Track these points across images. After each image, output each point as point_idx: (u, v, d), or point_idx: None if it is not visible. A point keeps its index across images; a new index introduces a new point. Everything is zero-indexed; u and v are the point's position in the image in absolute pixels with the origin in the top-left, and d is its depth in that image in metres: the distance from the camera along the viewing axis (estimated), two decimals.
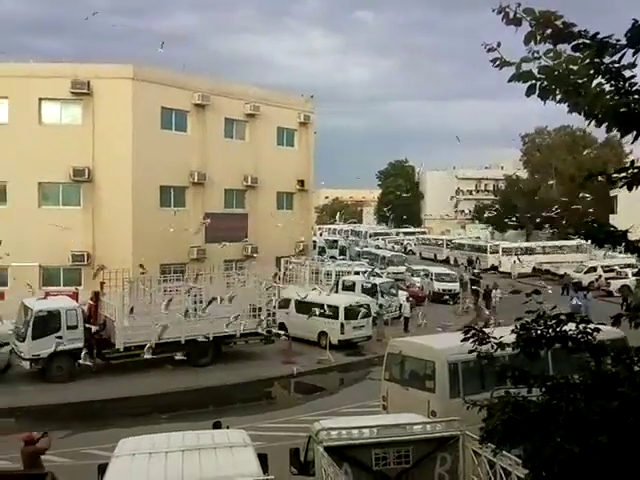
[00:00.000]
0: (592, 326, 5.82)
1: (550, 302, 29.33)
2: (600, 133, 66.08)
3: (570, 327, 5.84)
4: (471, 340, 6.09)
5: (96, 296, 24.17)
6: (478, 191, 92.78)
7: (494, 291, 37.96)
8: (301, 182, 40.44)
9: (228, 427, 13.85)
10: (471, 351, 6.12)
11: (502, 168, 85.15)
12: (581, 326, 5.81)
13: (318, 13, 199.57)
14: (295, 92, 41.93)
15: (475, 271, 48.00)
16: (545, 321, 5.81)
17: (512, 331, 5.96)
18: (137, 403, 21.27)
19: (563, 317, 5.84)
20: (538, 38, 5.36)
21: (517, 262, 51.17)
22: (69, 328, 23.01)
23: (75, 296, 26.71)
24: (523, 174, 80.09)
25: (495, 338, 6.09)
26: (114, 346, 23.60)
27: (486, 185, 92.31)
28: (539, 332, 5.79)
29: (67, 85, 30.72)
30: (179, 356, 23.90)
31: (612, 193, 52.95)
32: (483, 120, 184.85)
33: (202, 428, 13.92)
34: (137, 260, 28.67)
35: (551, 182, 70.82)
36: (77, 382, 22.66)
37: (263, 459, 10.33)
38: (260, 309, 26.80)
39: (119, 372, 23.38)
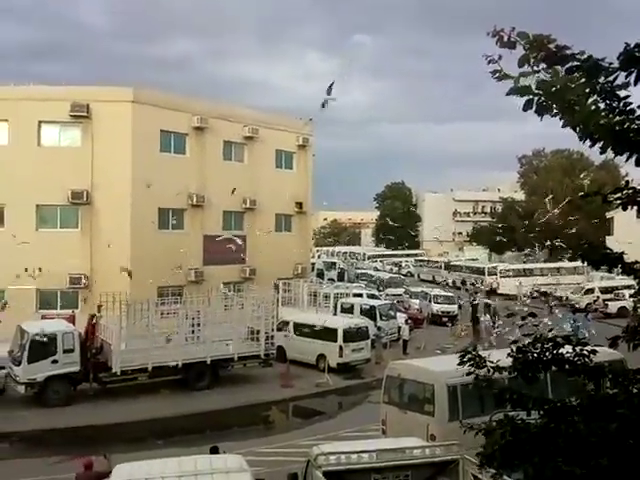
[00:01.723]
0: (589, 348, 5.83)
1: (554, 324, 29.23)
2: (597, 156, 66.49)
3: (567, 350, 5.84)
4: (468, 365, 6.09)
5: (93, 319, 24.04)
6: (475, 213, 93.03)
7: (483, 317, 37.53)
8: (299, 204, 40.55)
9: (225, 452, 13.74)
10: (469, 374, 6.12)
11: (499, 190, 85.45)
12: (578, 349, 5.82)
13: (316, 37, 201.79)
14: (293, 115, 42.20)
15: (478, 296, 47.53)
16: (542, 344, 5.83)
17: (508, 354, 5.98)
18: (133, 428, 20.96)
19: (560, 340, 5.86)
20: (532, 61, 5.44)
21: (521, 284, 51.13)
22: (65, 352, 22.80)
23: (72, 319, 26.59)
24: (520, 196, 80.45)
25: (492, 362, 6.09)
26: (111, 370, 23.39)
27: (483, 207, 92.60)
28: (536, 355, 5.80)
29: (66, 108, 30.91)
30: None
31: (608, 215, 53.12)
32: (479, 142, 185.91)
33: (199, 453, 13.79)
34: (135, 282, 28.67)
35: (548, 204, 71.06)
36: (73, 406, 22.42)
37: None
38: (258, 332, 26.67)
39: (116, 396, 23.15)
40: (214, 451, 13.85)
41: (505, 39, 5.44)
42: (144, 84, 34.31)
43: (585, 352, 5.81)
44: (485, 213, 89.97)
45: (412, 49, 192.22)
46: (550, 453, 5.14)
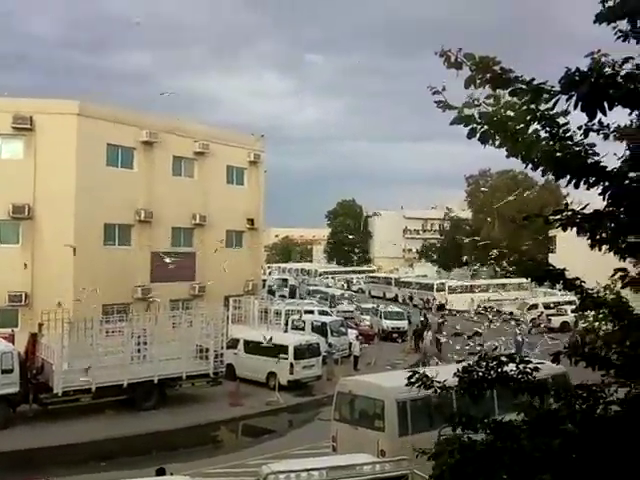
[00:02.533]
0: (531, 365, 5.96)
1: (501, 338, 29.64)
2: (540, 177, 68.39)
3: (511, 367, 5.97)
4: (416, 385, 6.20)
5: (33, 338, 23.25)
6: (425, 230, 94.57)
7: (426, 333, 37.82)
8: (251, 220, 40.31)
9: (172, 474, 13.46)
10: (421, 395, 6.42)
11: (447, 208, 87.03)
12: (521, 366, 5.94)
13: (269, 55, 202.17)
14: (245, 131, 42.09)
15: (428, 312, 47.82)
16: (487, 363, 5.95)
17: (455, 374, 6.07)
18: (75, 450, 20.24)
19: (504, 358, 6.00)
20: (477, 82, 5.56)
21: (472, 300, 51.97)
22: (4, 372, 21.98)
23: (11, 338, 25.63)
24: (468, 214, 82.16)
25: (439, 382, 6.19)
26: (52, 390, 22.62)
27: (432, 225, 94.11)
28: (481, 374, 5.91)
29: (9, 120, 30.05)
30: None
31: (551, 233, 54.62)
32: (429, 161, 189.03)
33: (145, 475, 13.50)
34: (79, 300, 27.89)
35: (493, 223, 72.97)
36: (12, 429, 21.56)
37: None
38: (207, 350, 26.26)
39: (57, 418, 22.36)
40: (160, 473, 13.57)
41: (452, 60, 5.55)
42: (93, 96, 33.83)
43: (528, 369, 5.93)
44: (434, 230, 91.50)
45: (365, 68, 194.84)
46: (496, 470, 5.20)
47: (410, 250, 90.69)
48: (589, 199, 6.07)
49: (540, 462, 5.05)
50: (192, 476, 13.81)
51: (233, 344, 29.32)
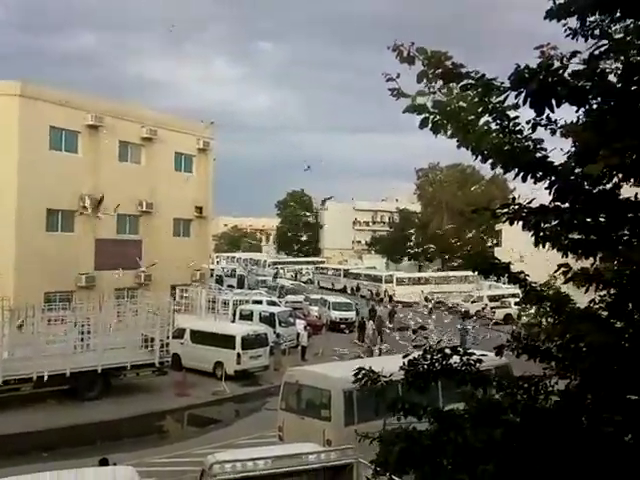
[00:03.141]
0: (475, 357, 6.06)
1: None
2: (488, 170, 69.67)
3: (455, 359, 6.07)
4: (363, 381, 6.27)
5: None
6: (374, 222, 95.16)
7: (368, 322, 38.16)
8: (199, 209, 39.87)
9: (116, 464, 13.28)
10: (363, 385, 6.34)
11: (397, 201, 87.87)
12: (465, 358, 6.05)
13: (220, 41, 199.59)
14: (195, 118, 41.53)
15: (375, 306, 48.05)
16: (432, 355, 6.03)
17: (400, 367, 6.14)
18: (16, 441, 19.72)
19: (448, 351, 6.08)
20: (430, 76, 5.62)
21: (422, 292, 52.63)
22: None
23: None
24: (417, 207, 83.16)
25: (385, 376, 6.25)
26: None
27: (382, 217, 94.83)
28: (426, 367, 6.00)
29: None
30: None
31: (497, 227, 55.72)
32: (380, 154, 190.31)
33: (87, 466, 13.24)
34: (19, 287, 27.14)
35: (442, 216, 74.12)
36: None
37: None
38: (153, 339, 25.92)
39: None
40: (104, 463, 13.40)
41: (405, 54, 5.59)
42: (39, 79, 32.68)
43: (472, 361, 6.02)
44: (383, 223, 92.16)
45: (318, 59, 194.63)
46: (440, 460, 5.29)
47: (359, 242, 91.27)
48: (536, 194, 6.13)
49: (483, 452, 5.13)
50: (136, 466, 13.61)
51: (179, 334, 29.03)
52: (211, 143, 40.53)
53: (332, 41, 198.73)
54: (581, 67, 5.41)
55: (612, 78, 5.55)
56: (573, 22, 5.83)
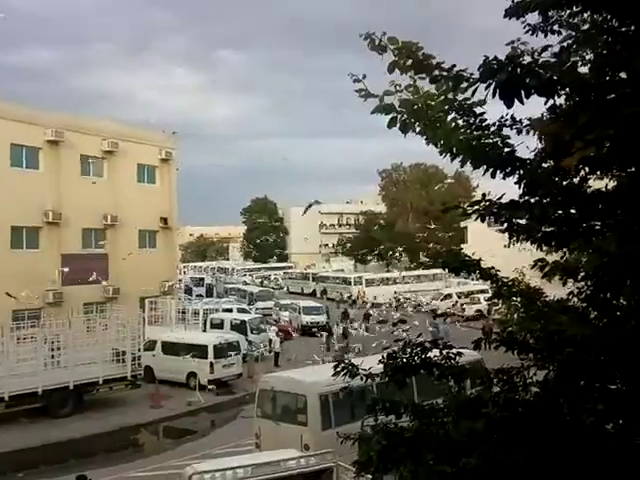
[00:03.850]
0: (454, 351, 6.13)
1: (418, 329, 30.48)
2: (450, 169, 70.62)
3: (434, 354, 6.11)
4: (342, 374, 6.22)
5: None
6: (340, 225, 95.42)
7: (335, 327, 38.25)
8: (164, 220, 39.62)
9: None
10: (343, 388, 6.48)
11: (362, 203, 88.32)
12: (444, 352, 6.09)
13: (179, 50, 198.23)
14: (157, 128, 41.25)
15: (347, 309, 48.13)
16: (411, 349, 6.05)
17: (380, 361, 6.15)
18: None
19: (427, 345, 6.12)
20: (400, 67, 5.66)
21: (395, 292, 52.76)
22: None
23: None
24: (382, 208, 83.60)
25: (364, 370, 6.25)
26: None
27: (348, 219, 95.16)
28: (405, 360, 6.01)
29: None
30: None
31: (462, 224, 56.32)
32: (344, 158, 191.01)
33: None
34: None
35: (407, 215, 74.57)
36: None
37: None
38: (124, 353, 25.72)
39: None
40: None
41: (376, 42, 5.60)
42: None
43: (451, 355, 6.08)
44: (350, 225, 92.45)
45: (281, 65, 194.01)
46: (423, 455, 5.34)
47: (327, 245, 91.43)
48: (501, 191, 6.19)
49: (465, 445, 5.19)
50: None
51: (151, 346, 28.83)
52: (173, 153, 40.28)
53: (294, 46, 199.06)
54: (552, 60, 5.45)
55: (583, 70, 5.62)
56: (532, 19, 5.90)
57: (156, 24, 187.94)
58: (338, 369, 6.24)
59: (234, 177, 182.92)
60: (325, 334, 38.02)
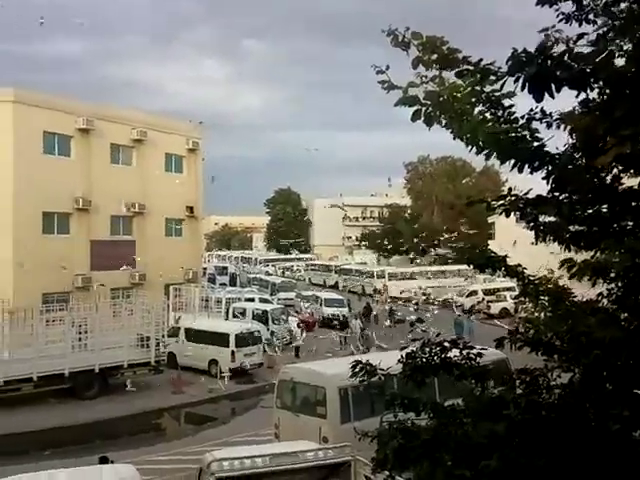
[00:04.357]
0: (475, 351, 5.99)
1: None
2: (478, 162, 69.94)
3: (454, 353, 5.99)
4: (360, 374, 6.13)
5: None
6: (364, 218, 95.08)
7: (353, 321, 38.27)
8: (190, 208, 40.06)
9: (114, 462, 13.53)
10: (362, 381, 6.21)
11: (387, 196, 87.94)
12: (465, 352, 5.97)
13: (206, 41, 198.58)
14: (184, 118, 41.67)
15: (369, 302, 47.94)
16: (430, 349, 5.94)
17: (399, 360, 6.05)
18: (18, 440, 19.99)
19: (447, 344, 5.99)
20: (425, 63, 5.50)
21: (419, 287, 52.14)
22: None
23: None
24: (407, 201, 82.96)
25: (382, 369, 6.15)
26: None
27: (372, 212, 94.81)
28: (425, 360, 5.90)
29: None
30: None
31: (490, 219, 55.60)
32: (369, 150, 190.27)
33: (88, 464, 13.52)
34: (18, 289, 27.39)
35: (432, 209, 73.72)
36: None
37: None
38: (149, 338, 26.21)
39: None
40: (103, 461, 13.61)
41: (400, 38, 5.45)
42: (28, 85, 32.84)
43: (472, 355, 5.94)
44: (373, 218, 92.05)
45: (306, 56, 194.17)
46: (440, 456, 5.27)
47: (350, 237, 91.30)
48: (529, 186, 5.97)
49: (485, 447, 5.08)
50: (135, 464, 13.87)
51: (174, 332, 29.29)
52: (200, 143, 40.68)
53: (321, 38, 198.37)
54: (587, 50, 5.15)
55: (619, 62, 5.22)
56: (567, 7, 5.52)
57: (183, 14, 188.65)
58: (356, 369, 6.12)
59: (259, 168, 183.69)
60: (346, 328, 38.04)
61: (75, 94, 33.94)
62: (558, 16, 5.48)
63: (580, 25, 5.45)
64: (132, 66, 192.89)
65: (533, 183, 5.89)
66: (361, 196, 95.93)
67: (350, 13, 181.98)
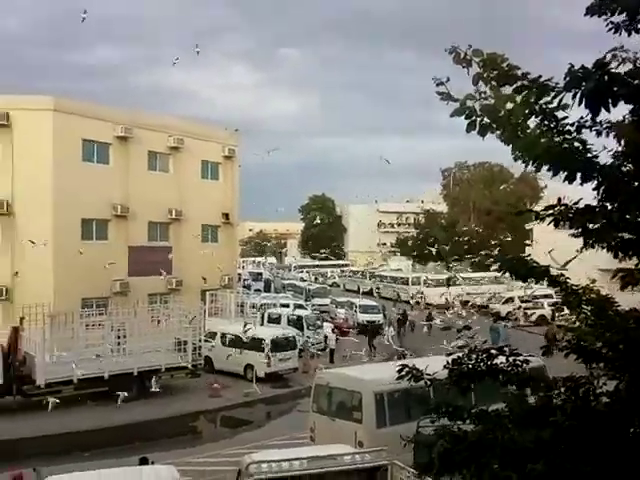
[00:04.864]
0: (521, 358, 6.05)
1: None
2: (516, 168, 69.08)
3: (500, 360, 6.05)
4: (407, 378, 6.22)
5: (16, 331, 23.32)
6: (399, 224, 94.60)
7: (386, 327, 38.06)
8: (226, 215, 40.44)
9: (154, 463, 13.69)
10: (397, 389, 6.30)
11: (422, 202, 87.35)
12: (511, 359, 6.03)
13: (239, 48, 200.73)
14: (219, 126, 42.08)
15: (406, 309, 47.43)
16: (477, 355, 6.02)
17: (444, 366, 6.14)
18: (59, 441, 20.45)
19: (494, 351, 6.07)
20: (485, 79, 5.65)
21: (457, 295, 51.62)
22: None
23: None
24: (442, 208, 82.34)
25: (429, 374, 6.25)
26: (35, 382, 22.76)
27: (407, 218, 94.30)
28: (470, 366, 5.98)
29: None
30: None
31: (527, 226, 54.88)
32: (404, 156, 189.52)
33: (127, 465, 13.70)
34: (58, 294, 27.95)
35: (469, 216, 73.03)
36: None
37: None
38: (185, 343, 26.49)
39: (40, 409, 22.27)
40: (143, 462, 13.79)
41: (462, 56, 5.62)
42: (65, 92, 33.59)
43: (518, 362, 6.01)
44: (409, 224, 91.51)
45: (338, 62, 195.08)
46: (487, 460, 5.32)
47: (384, 244, 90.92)
48: (568, 192, 6.12)
49: (531, 452, 5.13)
50: (173, 465, 14.02)
51: (210, 337, 29.57)
52: (236, 150, 41.07)
53: (355, 43, 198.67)
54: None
55: None
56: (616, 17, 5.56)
57: (216, 22, 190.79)
58: (402, 373, 6.22)
59: (293, 174, 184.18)
60: (377, 335, 37.69)
61: (111, 102, 34.50)
62: (607, 25, 5.55)
63: (629, 35, 5.57)
64: (165, 74, 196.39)
65: (572, 189, 5.92)
66: (396, 202, 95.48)
67: (384, 17, 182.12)
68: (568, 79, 5.15)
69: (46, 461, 16.85)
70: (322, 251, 76.70)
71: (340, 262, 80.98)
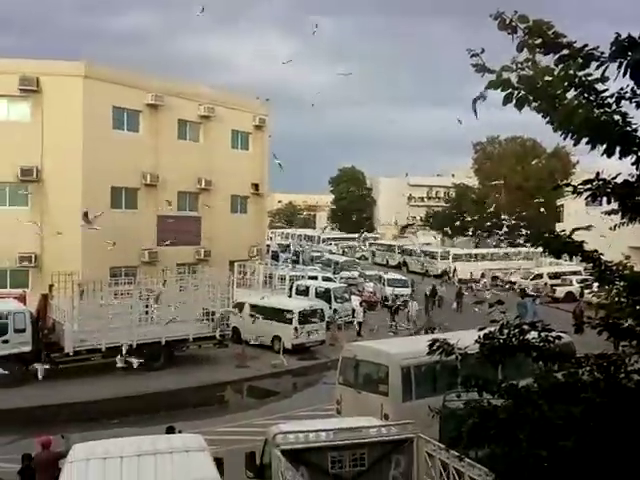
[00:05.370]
0: (554, 334, 5.98)
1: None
2: (549, 143, 67.81)
3: (532, 335, 5.99)
4: (437, 352, 6.22)
5: (45, 299, 23.60)
6: (430, 198, 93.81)
7: (410, 302, 37.64)
8: (255, 186, 40.33)
9: (180, 431, 13.75)
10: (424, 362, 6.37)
11: (453, 176, 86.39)
12: (543, 334, 5.97)
13: (276, 16, 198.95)
14: (251, 94, 41.75)
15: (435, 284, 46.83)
16: (508, 330, 5.96)
17: (476, 341, 6.11)
18: (87, 408, 20.75)
19: (526, 327, 5.99)
20: (530, 46, 5.45)
21: (486, 271, 51.37)
22: (17, 331, 22.40)
23: (22, 299, 26.02)
24: (474, 182, 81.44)
25: (460, 348, 6.26)
26: (63, 350, 23.05)
27: (437, 192, 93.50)
28: (502, 341, 5.93)
29: (15, 81, 29.90)
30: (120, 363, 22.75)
31: (559, 202, 54.20)
32: (436, 127, 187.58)
33: (154, 433, 13.77)
34: (86, 263, 28.19)
35: (500, 190, 72.20)
36: (25, 387, 21.94)
37: (219, 463, 10.32)
38: (213, 313, 26.61)
39: (68, 377, 22.76)
40: (170, 431, 13.84)
41: (507, 22, 5.43)
42: (98, 59, 33.51)
43: (550, 338, 5.95)
44: (439, 198, 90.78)
45: (374, 31, 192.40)
46: (517, 436, 5.28)
47: (414, 217, 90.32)
48: (600, 168, 5.94)
49: (562, 429, 5.12)
50: (200, 434, 14.08)
51: (239, 308, 29.66)
52: (267, 120, 40.79)
53: (387, 13, 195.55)
54: None
55: None
56: None
57: None
58: (434, 347, 6.21)
59: (324, 145, 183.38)
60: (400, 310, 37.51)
61: (144, 68, 34.26)
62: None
63: None
64: (198, 41, 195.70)
65: (604, 164, 5.88)
66: (427, 176, 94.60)
67: None
68: (614, 48, 4.98)
69: (74, 428, 17.06)
70: (351, 223, 76.48)
71: (369, 235, 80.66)
